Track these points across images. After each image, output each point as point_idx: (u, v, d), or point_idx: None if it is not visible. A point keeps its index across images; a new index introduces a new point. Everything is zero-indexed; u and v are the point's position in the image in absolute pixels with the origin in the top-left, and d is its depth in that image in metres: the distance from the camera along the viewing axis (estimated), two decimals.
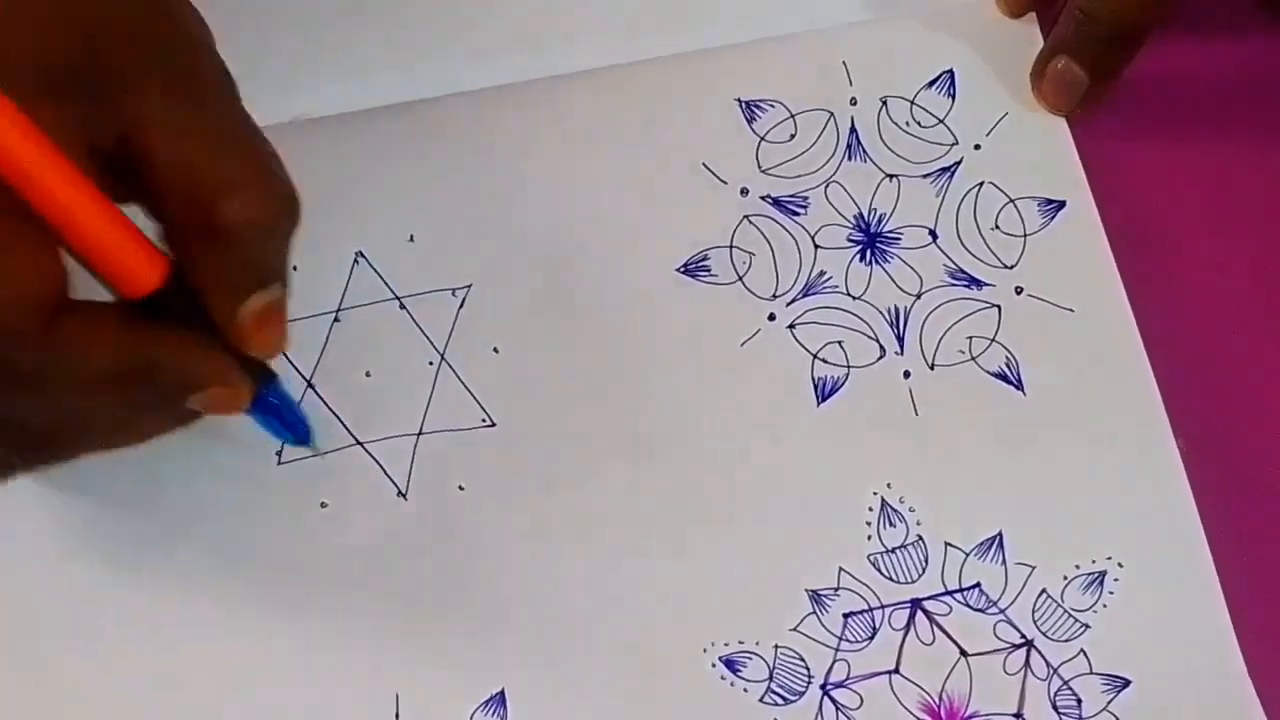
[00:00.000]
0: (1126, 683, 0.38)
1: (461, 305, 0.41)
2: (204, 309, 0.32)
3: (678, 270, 0.41)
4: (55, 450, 0.34)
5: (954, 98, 0.43)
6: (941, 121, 0.43)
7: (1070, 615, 0.38)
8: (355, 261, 0.41)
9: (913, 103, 0.43)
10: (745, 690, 0.38)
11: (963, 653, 0.38)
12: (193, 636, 0.38)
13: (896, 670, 0.38)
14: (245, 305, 0.32)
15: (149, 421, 0.35)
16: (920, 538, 0.39)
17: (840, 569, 0.39)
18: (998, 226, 0.42)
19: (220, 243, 0.31)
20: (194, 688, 0.37)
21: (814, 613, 0.38)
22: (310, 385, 0.40)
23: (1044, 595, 0.38)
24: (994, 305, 0.41)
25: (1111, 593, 0.38)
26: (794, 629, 0.38)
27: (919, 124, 0.43)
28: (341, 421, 0.39)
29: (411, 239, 0.41)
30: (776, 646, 0.38)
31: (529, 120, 0.43)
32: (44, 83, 0.29)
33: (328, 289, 0.41)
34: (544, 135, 0.42)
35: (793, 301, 0.41)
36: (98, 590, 0.38)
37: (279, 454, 0.39)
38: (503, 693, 0.37)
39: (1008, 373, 0.41)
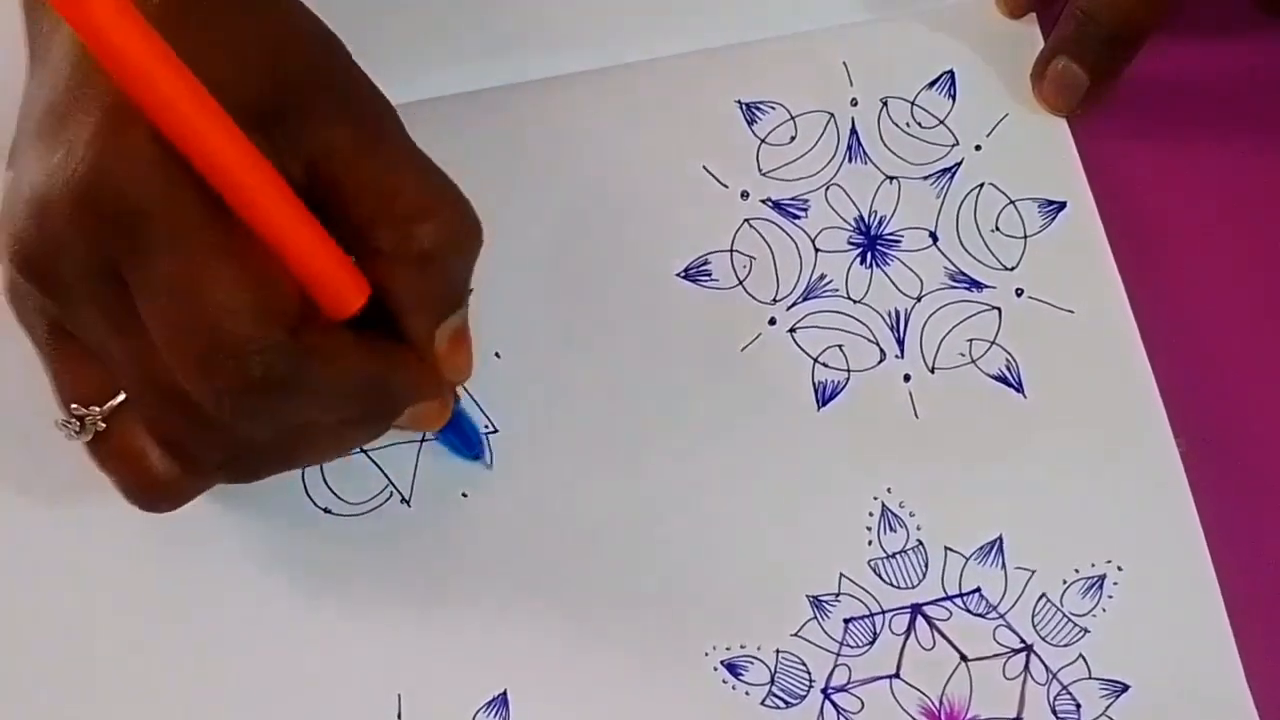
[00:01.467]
0: (1125, 688, 0.38)
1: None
2: (398, 332, 0.33)
3: (678, 275, 0.41)
4: (271, 464, 0.35)
5: (954, 98, 0.43)
6: (942, 122, 0.43)
7: (1070, 620, 0.38)
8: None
9: (913, 104, 0.43)
10: (747, 693, 0.38)
11: (963, 658, 0.38)
12: (195, 639, 0.38)
13: (897, 675, 0.38)
14: (442, 328, 0.34)
15: (359, 435, 0.36)
16: (920, 543, 0.39)
17: (841, 575, 0.39)
18: (998, 228, 0.42)
19: (418, 266, 0.32)
20: (196, 690, 0.38)
21: (815, 618, 0.38)
22: None
23: (1043, 599, 0.38)
24: (994, 307, 0.41)
25: (1111, 596, 0.38)
26: (795, 634, 0.38)
27: (919, 125, 0.43)
28: None
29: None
30: (778, 651, 0.38)
31: (528, 123, 0.43)
32: (244, 116, 0.30)
33: None
34: (543, 138, 0.42)
35: (793, 305, 0.41)
36: (98, 592, 0.38)
37: None
38: (505, 694, 0.38)
39: (1008, 375, 0.41)
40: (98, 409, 0.34)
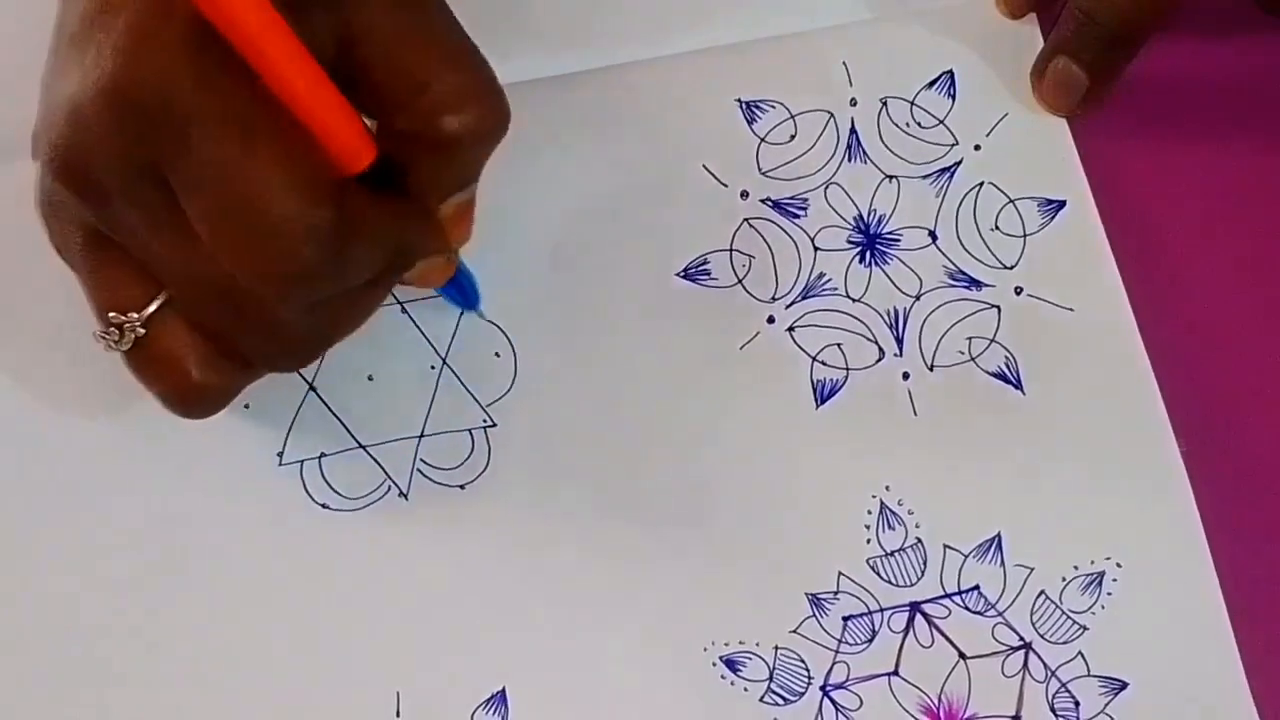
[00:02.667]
0: (1124, 685, 0.38)
1: (463, 310, 0.41)
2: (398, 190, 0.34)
3: (678, 274, 0.41)
4: (311, 347, 0.36)
5: (954, 98, 0.43)
6: (941, 122, 0.43)
7: (1069, 617, 0.38)
8: None
9: (913, 103, 0.43)
10: (745, 690, 0.38)
11: (961, 655, 0.38)
12: (193, 636, 0.38)
13: (895, 672, 0.38)
14: (449, 201, 0.35)
15: (376, 296, 0.36)
16: (919, 540, 0.39)
17: (839, 573, 0.39)
18: (997, 227, 0.42)
19: (439, 150, 0.33)
20: (194, 687, 0.38)
21: (813, 616, 0.38)
22: (312, 388, 0.40)
23: (1042, 597, 0.38)
24: (993, 306, 0.41)
25: (1110, 593, 0.38)
26: (794, 631, 0.38)
27: (919, 124, 0.43)
28: (343, 424, 0.40)
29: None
30: (777, 648, 0.38)
31: (528, 122, 0.42)
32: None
33: None
34: (542, 137, 0.42)
35: (792, 304, 0.41)
36: (96, 590, 0.38)
37: (280, 454, 0.39)
38: (504, 691, 0.38)
39: (1007, 373, 0.41)
40: (136, 315, 0.34)
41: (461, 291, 0.40)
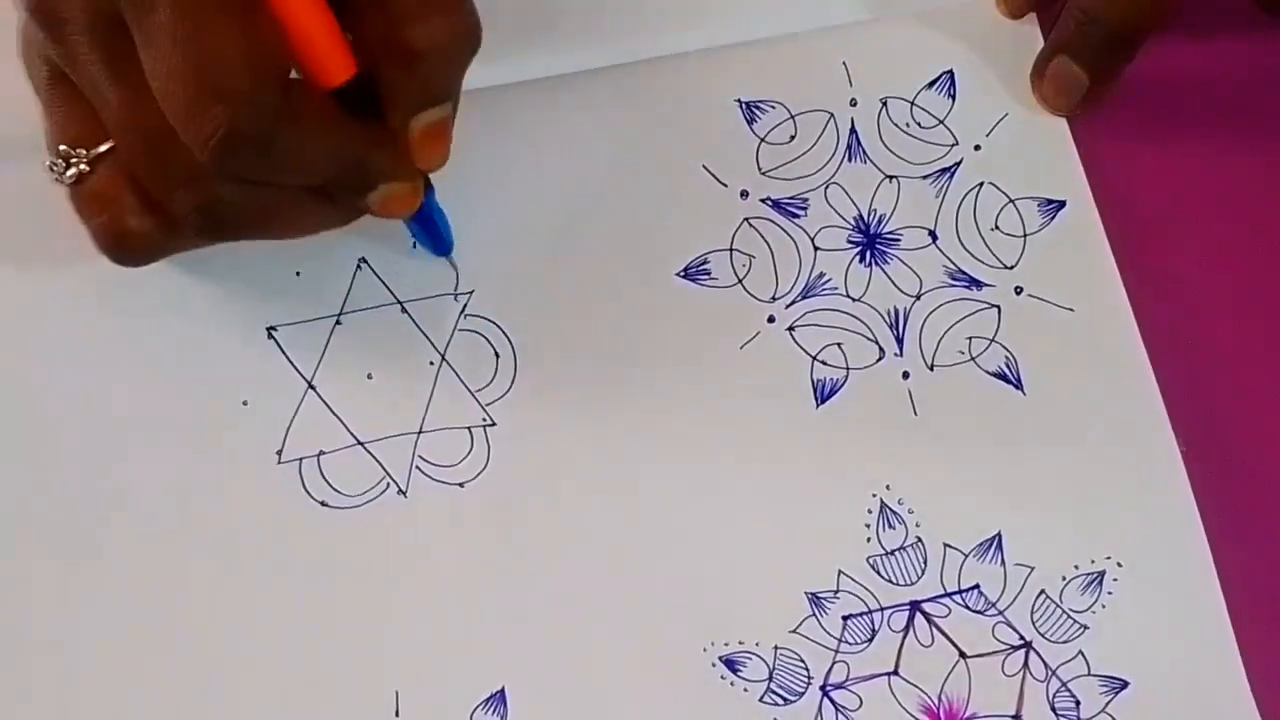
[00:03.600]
0: (1125, 684, 0.38)
1: (463, 310, 0.41)
2: (379, 116, 0.35)
3: (678, 274, 0.41)
4: (237, 229, 0.37)
5: (954, 98, 0.43)
6: (941, 122, 0.43)
7: (1069, 616, 0.38)
8: (358, 268, 0.41)
9: (913, 103, 0.43)
10: (745, 690, 0.38)
11: (962, 654, 0.38)
12: (192, 634, 0.38)
13: (895, 672, 0.38)
14: (418, 119, 0.35)
15: (331, 211, 0.37)
16: (919, 539, 0.39)
17: (840, 572, 0.39)
18: (997, 227, 0.42)
19: (406, 61, 0.34)
20: (193, 685, 0.38)
21: (813, 615, 0.38)
22: (311, 386, 0.40)
23: (1043, 596, 0.38)
24: (994, 306, 0.41)
25: (1110, 593, 0.38)
26: (793, 631, 0.38)
27: (919, 124, 0.43)
28: (342, 421, 0.40)
29: (414, 245, 0.41)
30: (776, 647, 0.38)
31: (528, 122, 0.43)
32: None
33: (330, 293, 0.41)
34: (543, 137, 0.42)
35: (792, 303, 0.41)
36: (95, 589, 0.38)
37: (279, 452, 0.39)
38: (503, 690, 0.38)
39: (1007, 373, 0.41)
40: (85, 152, 0.36)
41: (430, 231, 0.40)
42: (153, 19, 0.32)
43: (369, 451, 0.39)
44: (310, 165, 0.34)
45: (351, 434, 0.40)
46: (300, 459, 0.39)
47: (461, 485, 0.39)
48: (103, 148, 0.36)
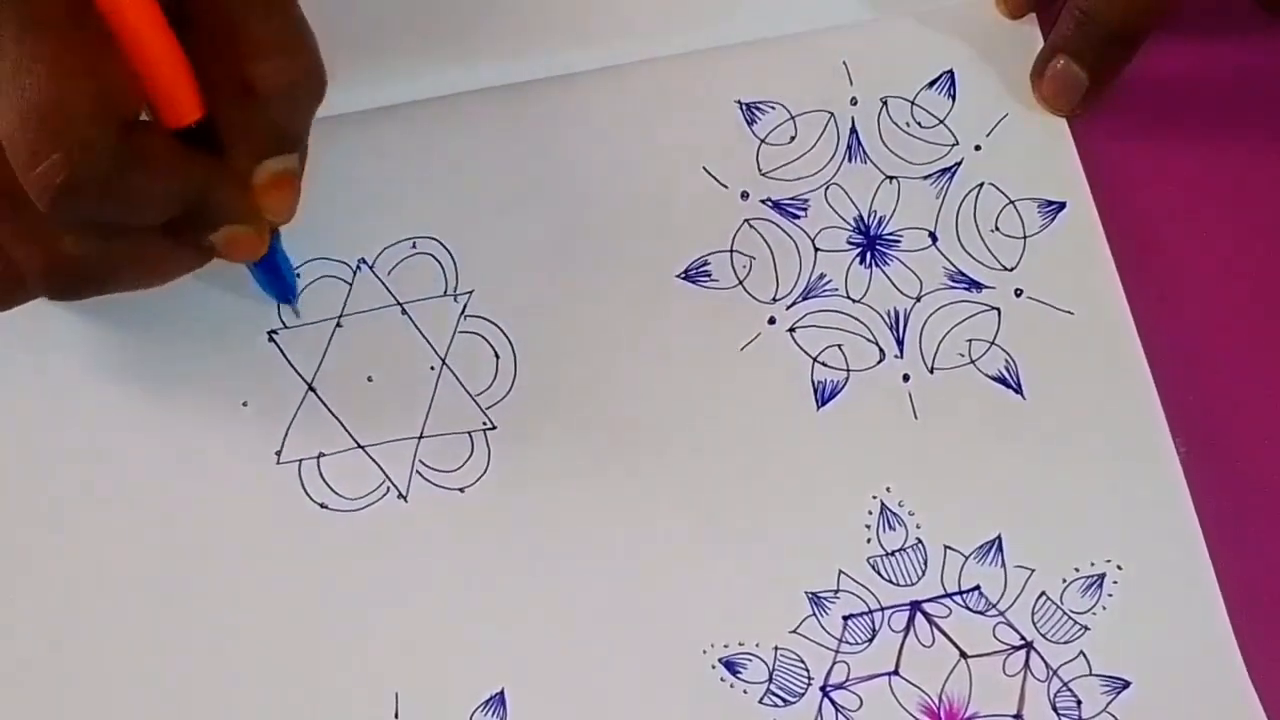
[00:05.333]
0: (1126, 684, 0.38)
1: (463, 311, 0.41)
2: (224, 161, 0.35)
3: (678, 276, 0.41)
4: (91, 280, 0.36)
5: (954, 98, 0.43)
6: (942, 122, 0.43)
7: (1069, 617, 0.38)
8: (357, 269, 0.41)
9: (913, 103, 0.43)
10: (745, 691, 0.38)
11: (962, 654, 0.38)
12: (191, 637, 0.38)
13: (896, 672, 0.38)
14: (263, 165, 0.35)
15: (177, 254, 0.36)
16: (920, 541, 0.39)
17: (840, 572, 0.39)
18: (998, 228, 0.42)
19: (248, 101, 0.34)
20: (192, 688, 0.38)
21: (814, 615, 0.38)
22: (311, 389, 0.40)
23: (1043, 597, 0.38)
24: (993, 308, 0.41)
25: (1111, 595, 0.38)
26: (794, 631, 0.38)
27: (919, 125, 0.43)
28: (343, 424, 0.40)
29: (414, 245, 0.41)
30: (776, 648, 0.38)
31: (528, 123, 0.43)
32: None
33: (330, 295, 0.41)
34: (543, 138, 0.42)
35: (793, 305, 0.41)
36: (94, 591, 0.38)
37: (278, 454, 0.39)
38: (502, 693, 0.38)
39: (1007, 376, 0.41)
40: None
41: (272, 277, 0.39)
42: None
43: (369, 455, 0.39)
44: (152, 204, 0.34)
45: (352, 437, 0.40)
46: (300, 460, 0.39)
47: (462, 490, 0.39)
48: None
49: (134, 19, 0.32)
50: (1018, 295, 0.41)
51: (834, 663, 0.38)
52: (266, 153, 0.35)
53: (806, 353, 0.41)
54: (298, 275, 0.40)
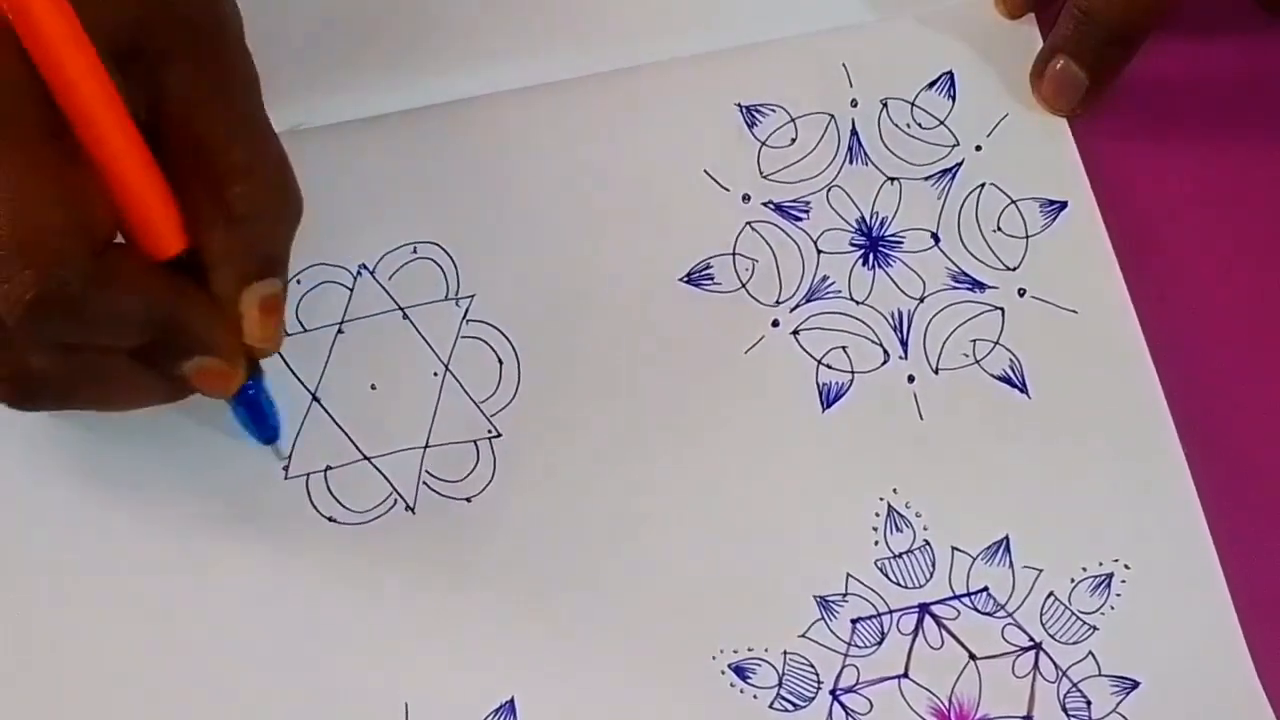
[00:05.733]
0: (1135, 684, 0.38)
1: (465, 315, 0.41)
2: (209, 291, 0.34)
3: (681, 280, 0.41)
4: (52, 394, 0.36)
5: (954, 99, 0.43)
6: (942, 123, 0.43)
7: (1078, 617, 0.38)
8: (358, 274, 0.41)
9: (913, 104, 0.43)
10: (755, 697, 0.38)
11: (971, 656, 0.38)
12: (200, 650, 0.38)
13: (905, 675, 0.38)
14: (250, 290, 0.34)
15: (144, 385, 0.36)
16: (927, 542, 0.39)
17: (848, 575, 0.39)
18: (1000, 228, 0.42)
19: (225, 224, 0.34)
20: (201, 701, 0.37)
21: (822, 619, 0.38)
22: (315, 399, 0.40)
23: (1052, 598, 0.38)
24: (997, 308, 0.41)
25: (1119, 594, 0.38)
26: (802, 635, 0.38)
27: (920, 126, 0.43)
28: (347, 435, 0.39)
29: (415, 250, 0.41)
30: (785, 653, 0.38)
31: (529, 128, 0.42)
32: (106, 50, 0.32)
33: (331, 301, 0.41)
34: (544, 143, 0.42)
35: (796, 307, 0.41)
36: (102, 604, 0.38)
37: (285, 469, 0.39)
38: (512, 701, 0.38)
39: (1012, 375, 0.41)
40: None
41: (253, 417, 0.38)
42: None
43: (375, 467, 0.39)
44: (121, 327, 0.33)
45: (358, 449, 0.39)
46: (307, 474, 0.39)
47: (468, 500, 0.39)
48: None
49: (115, 151, 0.32)
50: (1021, 295, 0.41)
51: (843, 666, 0.38)
52: (251, 277, 0.34)
53: (810, 355, 0.41)
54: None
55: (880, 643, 0.38)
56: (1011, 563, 0.39)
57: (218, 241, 0.34)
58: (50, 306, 0.32)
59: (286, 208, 0.35)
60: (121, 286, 0.33)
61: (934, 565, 0.39)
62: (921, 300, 0.41)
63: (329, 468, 0.39)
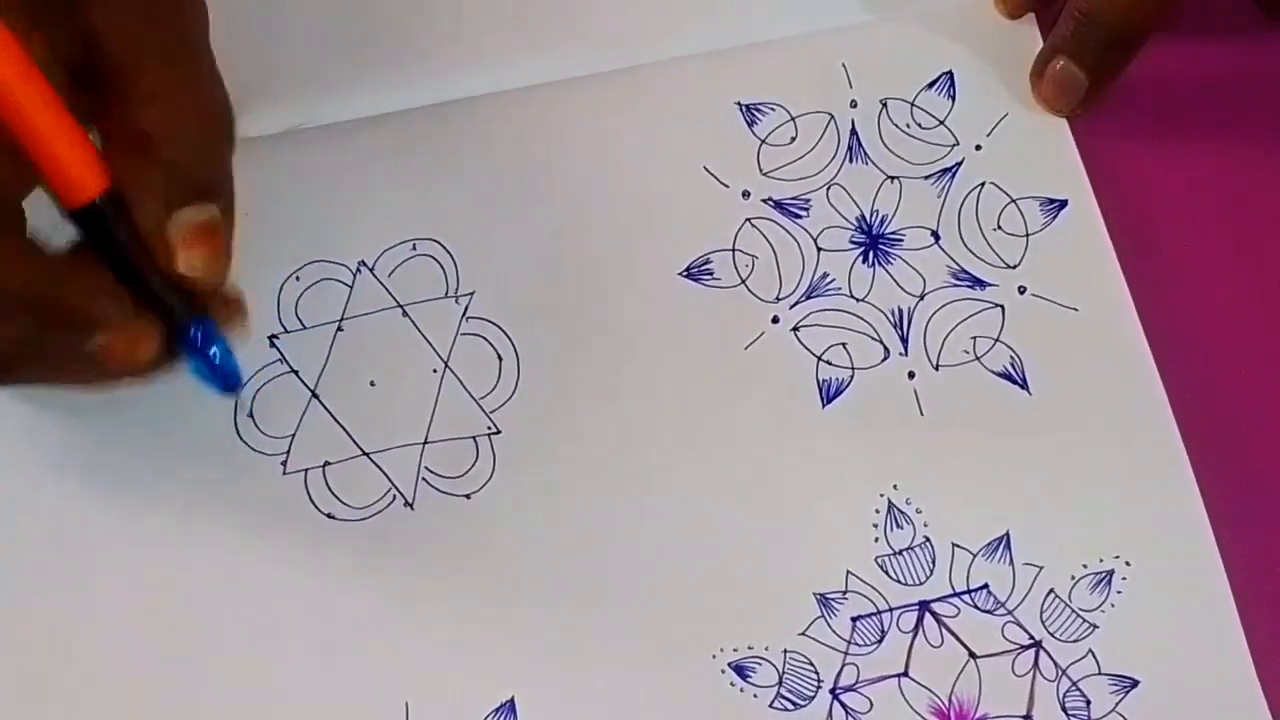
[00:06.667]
0: (1135, 683, 0.38)
1: (465, 312, 0.41)
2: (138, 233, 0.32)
3: (680, 274, 0.41)
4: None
5: (954, 99, 0.43)
6: (942, 123, 0.43)
7: (1078, 615, 0.38)
8: (357, 271, 0.41)
9: (913, 104, 0.43)
10: (755, 696, 0.38)
11: (971, 654, 0.38)
12: (200, 647, 0.38)
13: (905, 673, 0.38)
14: (177, 215, 0.32)
15: (59, 362, 0.34)
16: (927, 539, 0.39)
17: (848, 572, 0.39)
18: (1000, 227, 0.42)
19: (144, 151, 0.32)
20: (201, 700, 0.37)
21: (822, 616, 0.38)
22: (315, 395, 0.40)
23: (1052, 595, 0.38)
24: (997, 305, 0.41)
25: (1119, 592, 0.38)
26: (802, 633, 0.38)
27: (919, 125, 0.43)
28: (347, 432, 0.39)
29: (414, 247, 0.41)
30: (785, 651, 0.38)
31: (530, 126, 0.42)
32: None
33: (331, 298, 0.40)
34: (544, 140, 0.42)
35: (796, 304, 0.41)
36: (105, 601, 0.38)
37: (284, 464, 0.39)
38: (512, 700, 0.37)
39: (1012, 373, 0.41)
40: None
41: (202, 360, 0.35)
42: None
43: (374, 463, 0.39)
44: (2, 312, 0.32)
45: (357, 444, 0.39)
46: (305, 470, 0.39)
47: (468, 497, 0.39)
48: None
49: (22, 100, 0.30)
50: (1021, 293, 0.41)
51: (843, 665, 0.38)
52: (175, 204, 0.32)
53: (811, 352, 0.41)
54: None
55: (880, 641, 0.38)
56: (1012, 560, 0.39)
57: (134, 173, 0.32)
58: None
59: (209, 125, 0.32)
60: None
61: (934, 562, 0.39)
62: (922, 298, 0.41)
63: (328, 464, 0.39)
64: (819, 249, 0.42)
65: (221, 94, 0.33)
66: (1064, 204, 0.42)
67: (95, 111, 0.32)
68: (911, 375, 0.41)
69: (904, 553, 0.39)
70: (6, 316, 0.32)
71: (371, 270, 0.41)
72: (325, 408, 0.40)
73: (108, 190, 0.32)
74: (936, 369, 0.41)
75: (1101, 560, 0.39)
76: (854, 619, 0.38)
